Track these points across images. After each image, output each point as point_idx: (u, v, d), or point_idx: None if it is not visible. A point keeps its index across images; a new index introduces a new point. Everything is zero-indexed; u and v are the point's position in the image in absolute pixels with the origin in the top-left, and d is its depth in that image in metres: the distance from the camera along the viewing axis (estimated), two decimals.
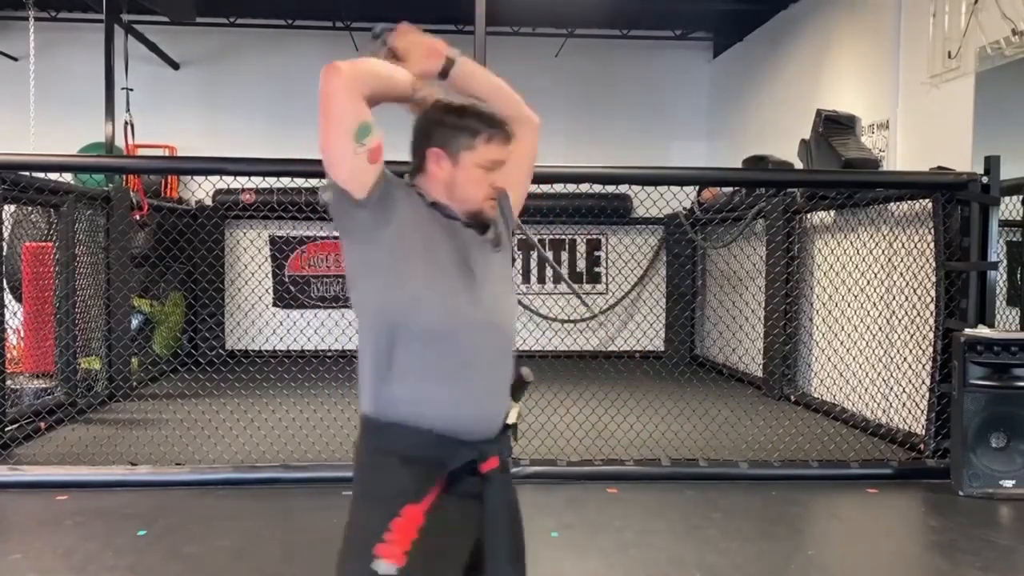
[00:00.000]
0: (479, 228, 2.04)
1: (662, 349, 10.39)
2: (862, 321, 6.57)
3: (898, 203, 6.26)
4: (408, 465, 1.88)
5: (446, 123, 2.02)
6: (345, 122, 1.95)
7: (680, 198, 6.43)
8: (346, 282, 2.00)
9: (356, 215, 1.91)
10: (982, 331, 5.09)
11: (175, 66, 10.60)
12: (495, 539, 1.94)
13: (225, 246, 10.42)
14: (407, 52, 2.11)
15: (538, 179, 5.53)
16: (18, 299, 6.90)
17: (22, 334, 6.85)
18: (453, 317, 1.90)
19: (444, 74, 2.10)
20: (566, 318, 10.36)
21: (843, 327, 6.72)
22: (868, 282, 6.49)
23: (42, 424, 6.06)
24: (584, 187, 9.07)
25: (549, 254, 10.81)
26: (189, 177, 9.66)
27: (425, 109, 2.08)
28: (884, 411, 6.42)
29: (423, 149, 2.04)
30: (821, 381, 7.44)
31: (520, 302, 10.17)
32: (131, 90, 8.45)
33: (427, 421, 1.88)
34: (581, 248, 11.12)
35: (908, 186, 5.84)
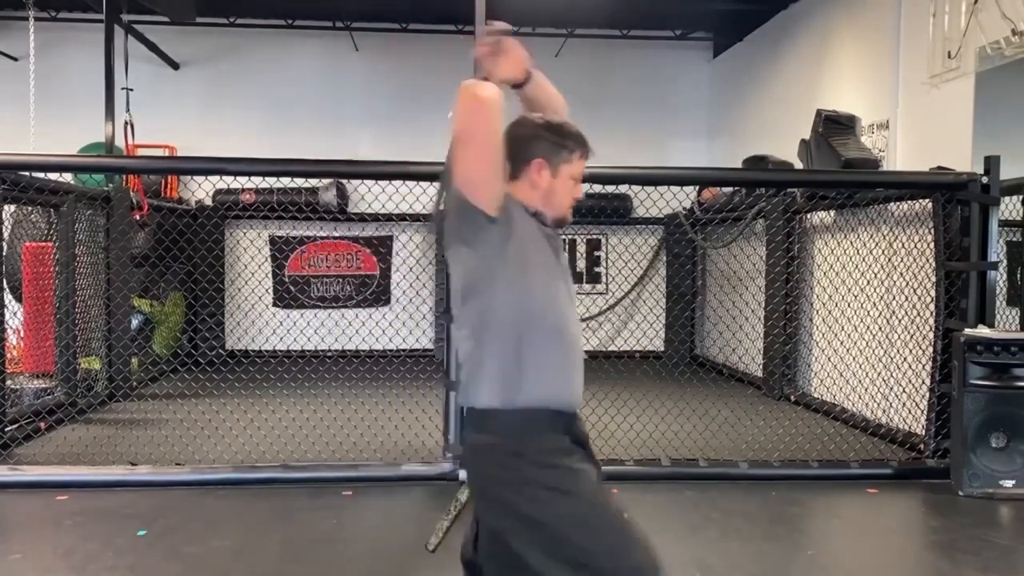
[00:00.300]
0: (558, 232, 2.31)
1: (662, 349, 10.39)
2: (862, 321, 6.57)
3: (898, 203, 6.26)
4: (576, 450, 2.17)
5: (548, 138, 2.26)
6: (491, 148, 2.07)
7: (680, 198, 6.43)
8: (462, 289, 2.16)
9: (488, 232, 2.08)
10: (982, 331, 5.09)
11: (175, 66, 10.60)
12: None
13: (225, 246, 10.42)
14: (499, 60, 2.36)
15: None
16: (18, 299, 6.90)
17: (22, 334, 6.85)
18: (566, 315, 2.20)
19: (523, 84, 2.38)
20: None
21: (843, 327, 6.72)
22: (868, 282, 6.49)
23: (42, 424, 6.06)
24: (584, 187, 9.06)
25: None
26: (189, 177, 9.66)
27: (519, 123, 2.29)
28: (884, 411, 6.42)
29: (527, 159, 2.23)
30: (821, 381, 7.44)
31: None
32: (131, 90, 8.45)
33: (561, 404, 2.16)
34: (581, 248, 11.12)
35: (908, 186, 5.84)
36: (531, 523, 2.05)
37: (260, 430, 5.76)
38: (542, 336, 2.13)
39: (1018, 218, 5.72)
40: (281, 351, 9.50)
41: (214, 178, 8.08)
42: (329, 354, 9.66)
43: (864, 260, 6.48)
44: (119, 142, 8.30)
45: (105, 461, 5.28)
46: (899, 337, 6.14)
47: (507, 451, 2.12)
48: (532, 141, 2.24)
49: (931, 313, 5.68)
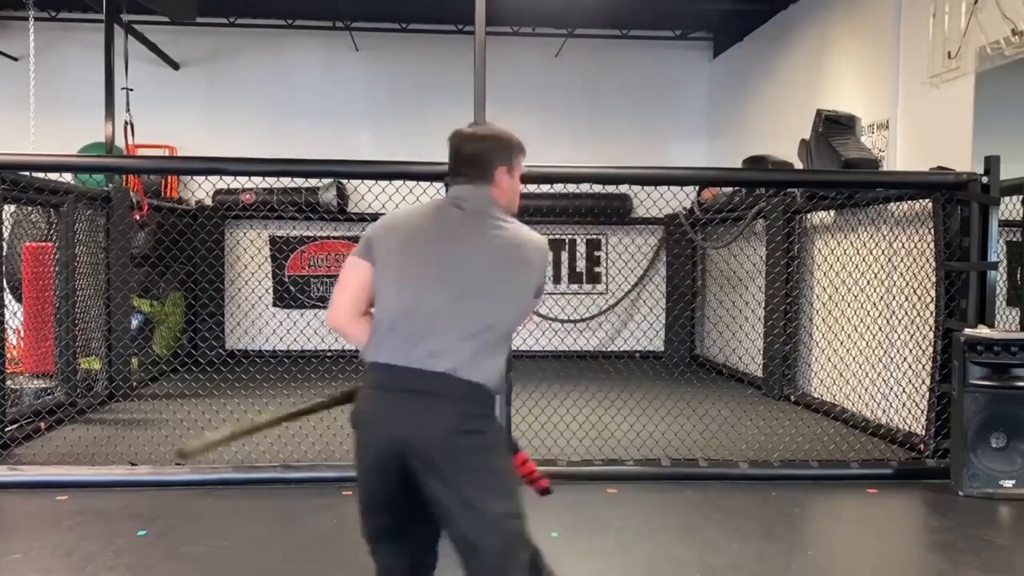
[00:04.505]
0: None
1: (662, 349, 10.39)
2: (862, 321, 6.57)
3: (898, 203, 6.26)
4: None
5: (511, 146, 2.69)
6: None
7: (680, 198, 6.43)
8: (508, 312, 2.44)
9: None
10: (982, 331, 5.09)
11: (175, 66, 10.60)
12: None
13: (225, 246, 10.42)
14: None
15: (538, 179, 5.58)
16: (18, 299, 6.89)
17: (22, 334, 6.85)
18: None
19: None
20: (566, 318, 10.35)
21: (843, 327, 6.72)
22: (868, 282, 6.49)
23: (42, 424, 6.06)
24: (584, 187, 9.08)
25: None
26: (189, 177, 9.66)
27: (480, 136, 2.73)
28: (884, 411, 6.42)
29: (497, 166, 2.59)
30: (821, 381, 7.44)
31: None
32: (131, 90, 8.44)
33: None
34: (581, 248, 11.13)
35: (908, 186, 5.83)
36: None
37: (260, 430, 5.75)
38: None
39: (1018, 218, 5.72)
40: (281, 351, 9.49)
41: (214, 178, 8.07)
42: (329, 354, 9.65)
43: (864, 260, 6.48)
44: (119, 142, 8.30)
45: (105, 461, 5.27)
46: (899, 337, 6.14)
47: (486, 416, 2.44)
48: (496, 150, 2.70)
49: (931, 313, 5.67)
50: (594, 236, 11.08)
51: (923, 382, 5.77)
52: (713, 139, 10.86)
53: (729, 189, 8.64)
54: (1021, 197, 5.70)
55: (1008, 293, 5.74)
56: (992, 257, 5.32)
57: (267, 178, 9.47)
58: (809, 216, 7.82)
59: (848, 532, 4.56)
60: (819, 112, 7.04)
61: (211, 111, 10.58)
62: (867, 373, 6.54)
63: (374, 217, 7.47)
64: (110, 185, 7.75)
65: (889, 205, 6.41)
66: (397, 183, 5.54)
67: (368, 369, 2.43)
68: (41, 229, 7.15)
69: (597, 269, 11.15)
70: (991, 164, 5.33)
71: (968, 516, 4.58)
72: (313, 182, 10.06)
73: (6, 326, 5.66)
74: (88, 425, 6.45)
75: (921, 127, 6.35)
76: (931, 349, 5.62)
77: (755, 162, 7.92)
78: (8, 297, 6.25)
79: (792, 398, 7.79)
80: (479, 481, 2.31)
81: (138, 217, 8.32)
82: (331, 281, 10.78)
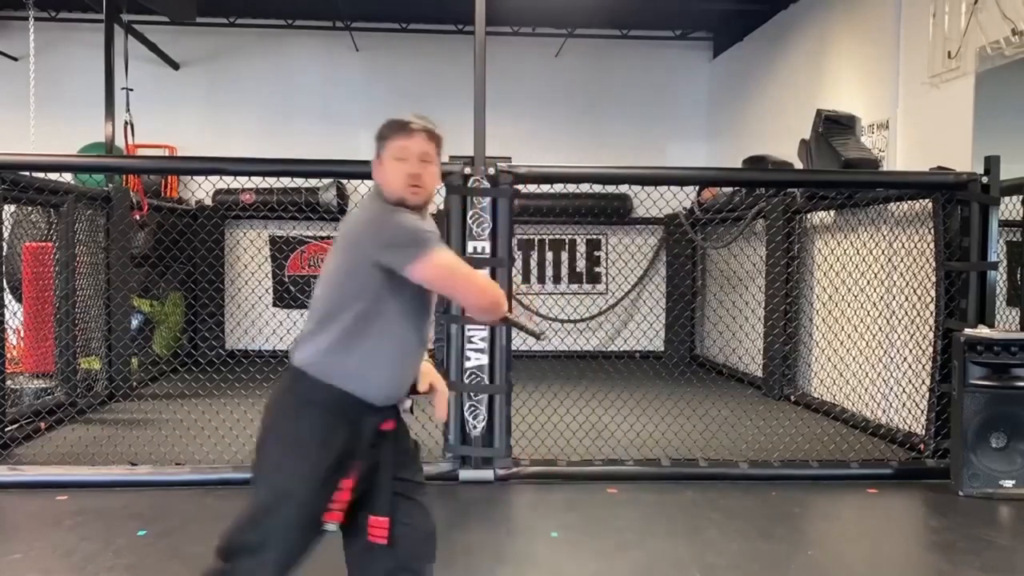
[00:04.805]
0: None
1: (662, 349, 10.39)
2: (862, 321, 6.57)
3: (898, 203, 6.26)
4: None
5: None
6: None
7: (680, 198, 6.42)
8: (328, 293, 2.44)
9: None
10: (982, 331, 5.09)
11: (175, 66, 10.60)
12: None
13: (225, 246, 10.42)
14: None
15: (538, 179, 5.58)
16: (18, 299, 6.89)
17: (22, 334, 6.85)
18: None
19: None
20: (566, 318, 10.35)
21: (843, 327, 6.72)
22: (868, 282, 6.49)
23: (42, 424, 6.06)
24: (584, 187, 9.08)
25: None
26: (189, 177, 9.65)
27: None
28: (884, 411, 6.42)
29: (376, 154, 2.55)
30: (821, 381, 7.44)
31: (520, 302, 10.17)
32: (131, 90, 8.45)
33: None
34: (581, 248, 11.13)
35: (908, 186, 5.84)
36: None
37: None
38: None
39: (1018, 218, 5.72)
40: (281, 351, 9.37)
41: (214, 178, 8.06)
42: None
43: (864, 260, 6.48)
44: (119, 142, 8.30)
45: (105, 461, 5.27)
46: (899, 337, 6.14)
47: None
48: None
49: (931, 313, 5.68)
50: (594, 236, 11.08)
51: (923, 382, 5.77)
52: (713, 139, 10.86)
53: (729, 189, 8.64)
54: (1021, 197, 5.70)
55: (1008, 293, 5.74)
56: (992, 257, 5.32)
57: (267, 178, 9.48)
58: (809, 216, 7.82)
59: (848, 532, 4.55)
60: (819, 112, 7.04)
61: (211, 111, 10.58)
62: (867, 373, 6.54)
63: None
64: (110, 185, 7.75)
65: (889, 205, 6.41)
66: None
67: None
68: (41, 229, 7.15)
69: (597, 269, 11.15)
70: (991, 164, 5.33)
71: (968, 516, 4.58)
72: (313, 182, 10.06)
73: (6, 326, 5.66)
74: (88, 425, 6.45)
75: (921, 127, 6.35)
76: (931, 349, 5.62)
77: (755, 162, 7.92)
78: (8, 297, 6.25)
79: (792, 398, 7.79)
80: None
81: (138, 217, 8.32)
82: None
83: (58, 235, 6.78)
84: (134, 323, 8.47)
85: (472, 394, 5.11)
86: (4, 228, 5.73)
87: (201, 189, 9.40)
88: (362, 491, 2.40)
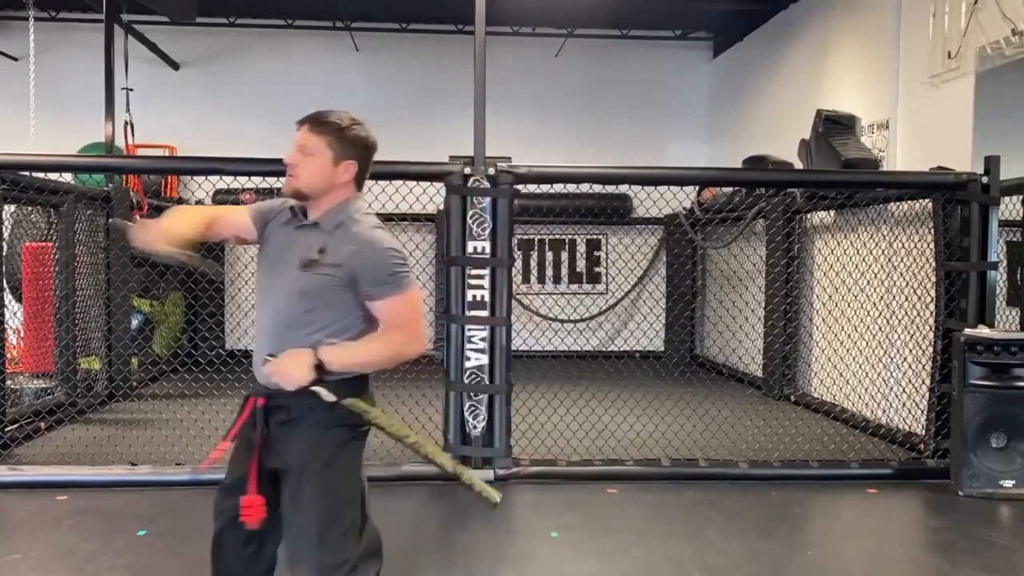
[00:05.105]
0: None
1: (662, 349, 10.39)
2: (862, 321, 6.57)
3: (898, 203, 6.26)
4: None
5: None
6: None
7: (680, 198, 6.42)
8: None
9: None
10: (982, 331, 5.09)
11: (175, 66, 10.60)
12: None
13: (225, 246, 10.40)
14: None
15: (538, 179, 5.58)
16: (18, 299, 6.89)
17: (22, 334, 6.85)
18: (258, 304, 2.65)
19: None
20: (566, 318, 10.36)
21: (843, 327, 6.72)
22: (868, 282, 6.49)
23: (42, 424, 6.06)
24: (584, 187, 9.08)
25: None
26: (189, 177, 9.65)
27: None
28: (884, 411, 6.42)
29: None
30: (821, 381, 7.44)
31: (520, 302, 10.16)
32: (131, 90, 8.45)
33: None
34: (581, 248, 11.13)
35: (908, 186, 5.84)
36: None
37: None
38: None
39: (1018, 218, 5.72)
40: None
41: (214, 178, 8.06)
42: None
43: (864, 260, 6.48)
44: (119, 142, 8.30)
45: (105, 461, 5.27)
46: (899, 337, 6.14)
47: None
48: None
49: (931, 313, 5.68)
50: (594, 236, 11.08)
51: (923, 382, 5.77)
52: (713, 139, 10.86)
53: (729, 189, 8.64)
54: (1021, 197, 5.70)
55: (1008, 293, 5.75)
56: (992, 257, 5.32)
57: (267, 178, 9.46)
58: (809, 216, 7.82)
59: (848, 532, 4.55)
60: (819, 112, 7.04)
61: (211, 111, 10.58)
62: (867, 373, 6.54)
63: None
64: (110, 185, 7.75)
65: (889, 205, 6.41)
66: (397, 183, 5.55)
67: (367, 380, 2.61)
68: (41, 229, 7.15)
69: (597, 269, 11.16)
70: (991, 164, 5.33)
71: (968, 516, 4.58)
72: None
73: (6, 326, 5.66)
74: (88, 425, 6.44)
75: (921, 127, 6.35)
76: (931, 349, 5.62)
77: (755, 162, 7.92)
78: (8, 297, 6.25)
79: (792, 398, 7.79)
80: None
81: (138, 217, 8.31)
82: None
83: (58, 235, 6.78)
84: (134, 323, 8.46)
85: (472, 394, 5.11)
86: (4, 228, 5.73)
87: (201, 189, 9.38)
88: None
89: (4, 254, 5.76)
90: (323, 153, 2.46)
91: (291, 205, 2.55)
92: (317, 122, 2.48)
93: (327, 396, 2.40)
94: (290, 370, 2.37)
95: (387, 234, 2.47)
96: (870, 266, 6.43)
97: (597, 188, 8.82)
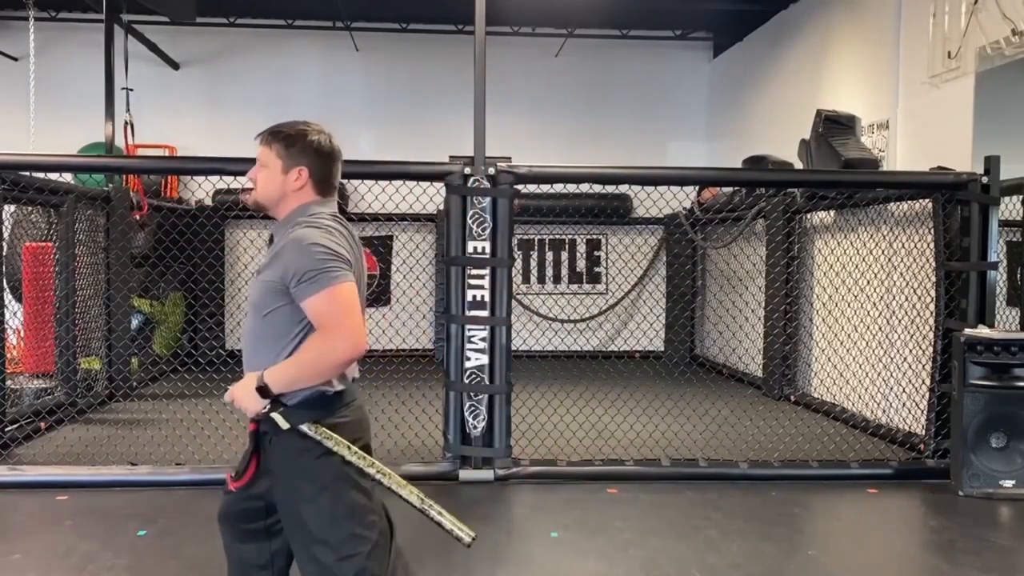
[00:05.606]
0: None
1: (662, 349, 10.39)
2: (862, 321, 6.57)
3: (898, 203, 6.26)
4: None
5: None
6: None
7: (680, 198, 6.42)
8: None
9: None
10: (982, 331, 5.09)
11: (175, 66, 10.60)
12: None
13: (225, 246, 10.42)
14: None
15: (538, 179, 5.58)
16: (18, 299, 6.89)
17: (22, 334, 6.85)
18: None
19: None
20: (566, 318, 10.35)
21: (843, 327, 6.72)
22: (868, 282, 6.49)
23: (42, 424, 6.06)
24: (584, 187, 9.08)
25: None
26: (189, 177, 9.65)
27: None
28: (884, 411, 6.42)
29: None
30: (821, 381, 7.44)
31: (520, 302, 10.17)
32: (131, 90, 8.45)
33: None
34: (581, 248, 11.13)
35: (908, 186, 5.84)
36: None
37: None
38: None
39: (1018, 218, 5.72)
40: None
41: (214, 178, 8.06)
42: None
43: (864, 260, 6.48)
44: (119, 142, 8.30)
45: (105, 461, 5.27)
46: (899, 337, 6.14)
47: None
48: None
49: (931, 313, 5.68)
50: (594, 236, 11.08)
51: (923, 382, 5.77)
52: (713, 139, 10.87)
53: (729, 189, 8.64)
54: (1021, 197, 5.70)
55: (1008, 293, 5.75)
56: (992, 257, 5.32)
57: None
58: (809, 216, 7.82)
59: (848, 532, 4.55)
60: (819, 112, 7.05)
61: (211, 111, 10.57)
62: (867, 373, 6.54)
63: (374, 217, 7.34)
64: (110, 185, 7.75)
65: (889, 205, 6.41)
66: (397, 183, 5.55)
67: (348, 386, 2.45)
68: (41, 229, 7.15)
69: (597, 269, 11.15)
70: (991, 164, 5.34)
71: (968, 516, 4.59)
72: None
73: (6, 326, 5.66)
74: (88, 425, 6.45)
75: (921, 127, 6.35)
76: (931, 349, 5.62)
77: (755, 162, 7.92)
78: (8, 297, 6.25)
79: (792, 398, 7.79)
80: None
81: (138, 217, 8.32)
82: None
83: (58, 235, 6.78)
84: (134, 323, 8.46)
85: (472, 394, 5.11)
86: (4, 228, 5.73)
87: (201, 189, 9.39)
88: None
89: (4, 254, 5.76)
90: (274, 163, 2.49)
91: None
92: (268, 134, 2.54)
93: (281, 423, 2.30)
94: (240, 399, 2.33)
95: (320, 232, 2.33)
96: (870, 266, 6.43)
97: (597, 188, 8.82)
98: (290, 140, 2.50)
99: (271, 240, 2.55)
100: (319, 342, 2.25)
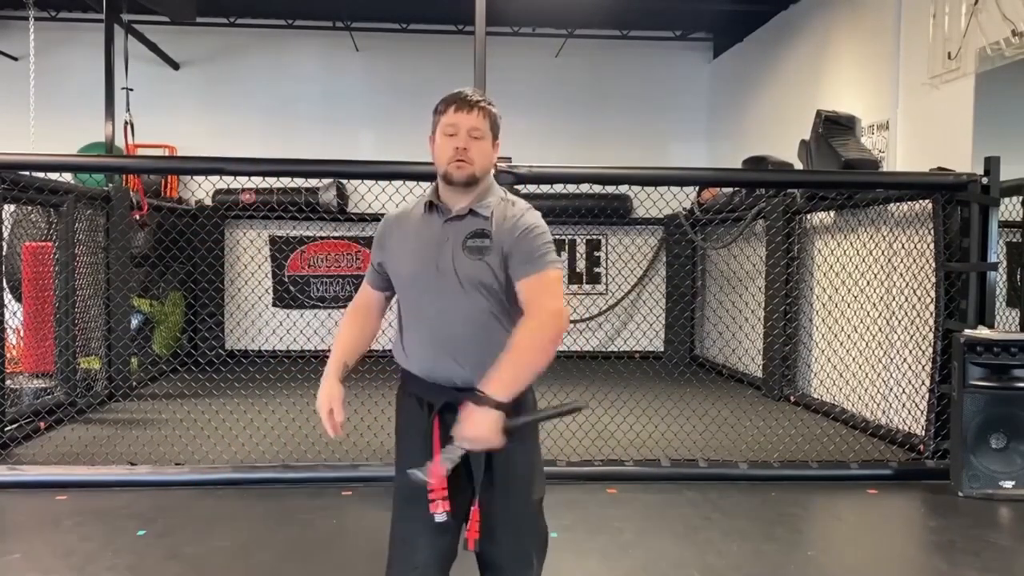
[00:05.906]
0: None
1: (662, 349, 10.39)
2: (862, 321, 6.57)
3: (898, 204, 6.26)
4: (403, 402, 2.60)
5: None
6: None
7: (680, 198, 6.41)
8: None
9: None
10: (982, 332, 5.09)
11: (175, 66, 10.60)
12: None
13: (225, 246, 10.42)
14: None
15: (538, 179, 5.58)
16: (18, 299, 6.90)
17: (22, 334, 6.85)
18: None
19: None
20: None
21: (843, 327, 6.73)
22: (868, 282, 6.49)
23: (42, 424, 6.06)
24: (584, 187, 9.08)
25: None
26: (189, 177, 9.66)
27: None
28: (884, 412, 6.42)
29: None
30: (821, 382, 7.44)
31: None
32: (131, 90, 8.45)
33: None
34: (581, 248, 11.13)
35: (908, 187, 5.84)
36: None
37: (260, 430, 5.76)
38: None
39: (1018, 218, 5.72)
40: (281, 351, 9.49)
41: (214, 178, 8.07)
42: (328, 354, 9.66)
43: (864, 260, 6.48)
44: (119, 142, 8.30)
45: (105, 461, 5.28)
46: (899, 338, 6.14)
47: None
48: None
49: (931, 314, 5.68)
50: (594, 236, 11.08)
51: (923, 383, 5.77)
52: (713, 139, 10.87)
53: (729, 190, 8.64)
54: (1021, 197, 5.70)
55: (1008, 294, 5.75)
56: (992, 258, 5.33)
57: (267, 178, 9.48)
58: (809, 217, 7.82)
59: (848, 532, 4.56)
60: (819, 112, 7.05)
61: (211, 111, 10.58)
62: (867, 374, 6.55)
63: (374, 217, 7.35)
64: (110, 185, 7.75)
65: (889, 206, 6.41)
66: (397, 183, 5.55)
67: None
68: (41, 229, 7.15)
69: (597, 269, 11.15)
70: (991, 165, 5.34)
71: (968, 517, 4.59)
72: (313, 182, 10.06)
73: (6, 326, 5.66)
74: (88, 425, 6.45)
75: (921, 128, 6.35)
76: (931, 350, 5.62)
77: (755, 163, 7.92)
78: (8, 297, 6.25)
79: (792, 399, 7.79)
80: None
81: (138, 217, 8.32)
82: (331, 281, 10.82)
83: (58, 235, 6.78)
84: (134, 323, 8.47)
85: None
86: (4, 228, 5.73)
87: (201, 189, 9.40)
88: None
89: (4, 254, 5.76)
90: (487, 135, 2.38)
91: (428, 202, 2.40)
92: (485, 103, 2.38)
93: (515, 422, 2.28)
94: (480, 439, 2.21)
95: (540, 216, 2.41)
96: (870, 267, 6.43)
97: (597, 188, 8.83)
98: (495, 113, 2.41)
99: (436, 217, 2.39)
100: (534, 322, 2.28)
